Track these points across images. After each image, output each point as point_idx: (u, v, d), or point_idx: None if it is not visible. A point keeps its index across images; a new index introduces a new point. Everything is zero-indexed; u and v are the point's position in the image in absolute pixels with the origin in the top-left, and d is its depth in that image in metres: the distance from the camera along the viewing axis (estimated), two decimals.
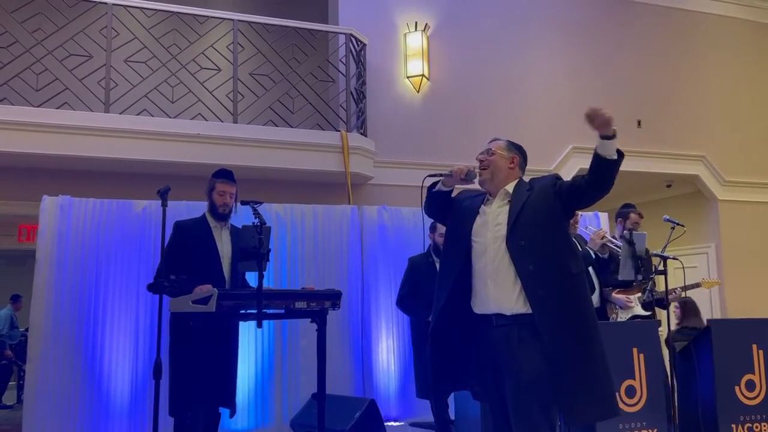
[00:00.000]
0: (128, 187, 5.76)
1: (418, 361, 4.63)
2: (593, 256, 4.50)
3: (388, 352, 5.45)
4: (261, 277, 3.22)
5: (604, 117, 2.69)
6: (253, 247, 3.25)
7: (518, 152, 2.99)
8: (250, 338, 5.06)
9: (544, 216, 2.78)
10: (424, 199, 3.06)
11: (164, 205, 3.36)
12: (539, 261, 2.72)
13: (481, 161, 2.94)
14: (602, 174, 2.75)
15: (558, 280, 2.71)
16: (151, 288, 3.37)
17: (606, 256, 4.58)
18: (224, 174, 3.83)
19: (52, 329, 4.67)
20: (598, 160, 2.72)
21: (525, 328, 2.69)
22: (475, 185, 3.00)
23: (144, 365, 4.78)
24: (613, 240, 4.64)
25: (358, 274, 5.52)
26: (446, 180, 2.93)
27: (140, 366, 4.80)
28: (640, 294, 4.57)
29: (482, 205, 2.92)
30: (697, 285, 4.95)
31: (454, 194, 3.01)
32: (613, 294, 4.60)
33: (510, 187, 2.91)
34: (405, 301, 4.71)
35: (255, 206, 3.45)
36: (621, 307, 4.58)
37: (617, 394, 3.77)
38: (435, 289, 2.97)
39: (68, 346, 4.70)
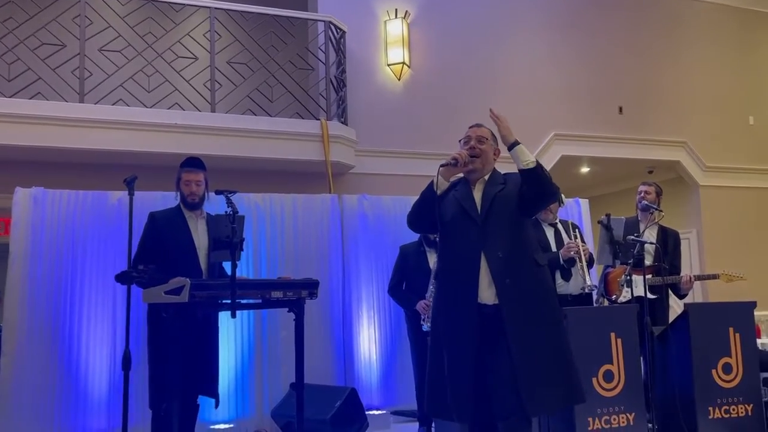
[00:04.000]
0: (103, 178, 5.65)
1: (415, 351, 4.60)
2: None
3: (370, 341, 5.42)
4: (234, 267, 3.17)
5: (503, 122, 2.77)
6: (227, 236, 3.20)
7: (496, 142, 3.02)
8: (229, 329, 5.01)
9: (512, 210, 2.84)
10: (415, 205, 2.96)
11: (131, 194, 3.31)
12: (508, 249, 2.78)
13: (472, 148, 2.92)
14: (531, 184, 2.79)
15: (526, 268, 2.79)
16: (120, 278, 3.32)
17: (566, 265, 4.30)
18: (190, 162, 3.76)
19: (27, 323, 4.59)
20: (520, 172, 2.79)
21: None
22: None
23: (121, 358, 4.70)
24: (586, 264, 4.26)
25: (339, 264, 5.47)
26: (448, 171, 2.87)
27: (118, 359, 4.68)
28: (651, 276, 4.44)
29: (471, 191, 2.92)
30: (714, 276, 4.69)
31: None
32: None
33: (487, 177, 2.96)
34: (397, 291, 4.72)
35: (229, 195, 3.39)
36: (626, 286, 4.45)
37: (595, 378, 3.79)
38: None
39: (44, 340, 4.61)
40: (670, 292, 4.67)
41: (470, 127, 3.02)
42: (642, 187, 4.72)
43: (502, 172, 3.05)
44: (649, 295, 4.33)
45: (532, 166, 2.76)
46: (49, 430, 4.53)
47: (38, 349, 4.60)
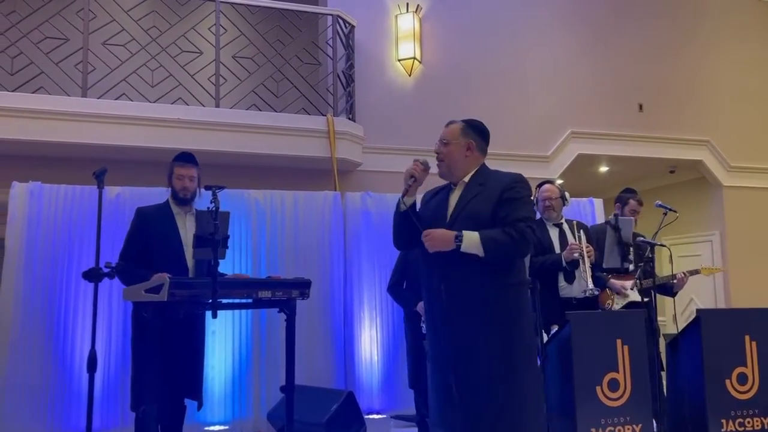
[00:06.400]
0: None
1: (411, 353, 4.45)
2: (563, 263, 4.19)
3: (372, 342, 5.27)
4: (216, 265, 3.04)
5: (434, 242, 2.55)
6: (210, 233, 3.08)
7: (476, 134, 2.76)
8: (227, 329, 4.91)
9: (485, 219, 2.60)
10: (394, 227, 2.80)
11: (100, 187, 3.21)
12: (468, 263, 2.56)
13: (436, 153, 2.76)
14: (500, 260, 2.57)
15: (487, 287, 2.56)
16: (87, 276, 3.21)
17: (569, 267, 4.17)
18: (183, 157, 3.67)
19: (21, 319, 4.53)
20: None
21: None
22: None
23: (115, 357, 4.64)
24: (589, 265, 4.16)
25: (341, 263, 5.33)
26: (413, 187, 2.69)
27: (112, 357, 4.66)
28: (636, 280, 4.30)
29: (449, 195, 2.76)
30: (695, 272, 4.60)
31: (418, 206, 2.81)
32: (611, 280, 4.36)
33: (468, 178, 2.73)
34: (397, 290, 4.55)
35: (216, 191, 3.26)
36: (617, 293, 4.34)
37: (599, 387, 3.59)
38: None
39: (39, 336, 4.56)
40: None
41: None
42: (634, 204, 4.58)
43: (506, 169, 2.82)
44: (641, 299, 4.19)
45: (482, 255, 2.52)
46: (43, 429, 4.46)
47: (33, 346, 4.54)
